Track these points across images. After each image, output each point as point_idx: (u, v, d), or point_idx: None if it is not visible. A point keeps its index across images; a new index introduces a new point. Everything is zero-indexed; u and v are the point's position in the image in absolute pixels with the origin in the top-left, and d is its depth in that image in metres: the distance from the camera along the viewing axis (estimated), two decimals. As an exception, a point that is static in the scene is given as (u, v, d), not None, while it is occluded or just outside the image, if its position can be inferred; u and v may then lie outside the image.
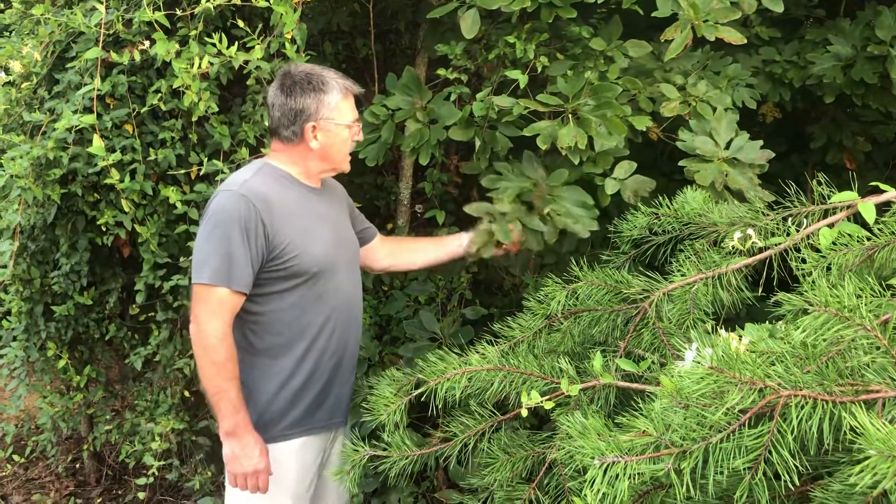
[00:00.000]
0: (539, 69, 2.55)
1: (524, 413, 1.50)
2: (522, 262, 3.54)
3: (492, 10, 2.49)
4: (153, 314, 3.17)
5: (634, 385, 1.59)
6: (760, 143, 2.56)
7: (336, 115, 2.14)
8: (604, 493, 1.07)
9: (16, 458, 3.74)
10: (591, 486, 1.09)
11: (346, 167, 2.27)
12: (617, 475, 1.08)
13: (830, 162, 3.40)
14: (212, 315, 2.00)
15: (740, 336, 1.43)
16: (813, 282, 1.43)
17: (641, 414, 1.27)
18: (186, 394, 3.25)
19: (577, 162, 2.39)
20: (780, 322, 1.59)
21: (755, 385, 1.09)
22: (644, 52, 2.72)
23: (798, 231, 1.69)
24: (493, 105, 2.47)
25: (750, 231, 1.73)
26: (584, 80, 2.47)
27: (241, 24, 2.48)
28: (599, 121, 2.40)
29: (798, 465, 1.06)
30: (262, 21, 2.66)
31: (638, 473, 1.10)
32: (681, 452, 1.10)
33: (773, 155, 2.56)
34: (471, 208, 2.55)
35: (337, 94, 2.13)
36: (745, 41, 2.47)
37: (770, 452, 1.07)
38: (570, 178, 2.47)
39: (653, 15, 2.42)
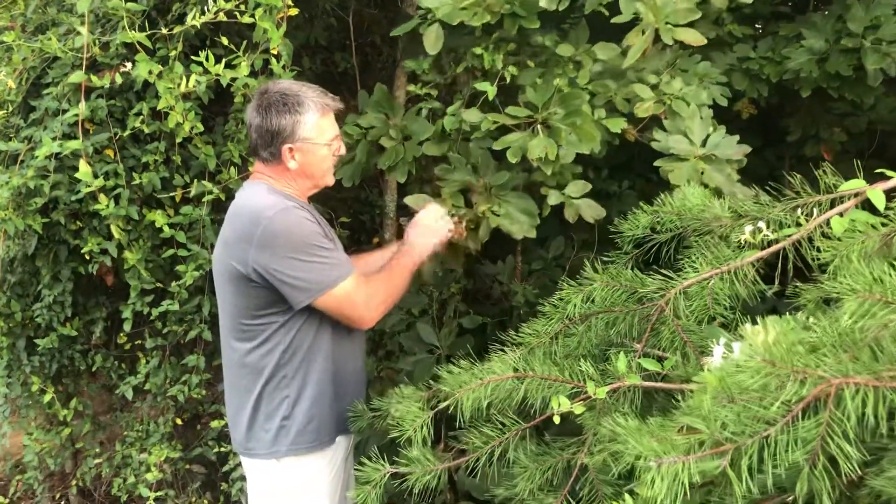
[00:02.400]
0: (508, 79, 2.53)
1: (557, 420, 1.47)
2: (510, 271, 3.53)
3: (457, 24, 2.47)
4: (140, 342, 3.09)
5: (660, 385, 1.58)
6: (737, 138, 2.56)
7: (314, 134, 2.08)
8: (663, 496, 1.04)
9: (0, 498, 3.61)
10: (649, 488, 1.07)
11: (330, 181, 2.22)
12: (675, 476, 1.06)
13: (809, 154, 3.44)
14: (358, 297, 2.07)
15: (766, 329, 1.42)
16: (835, 270, 1.43)
17: (683, 411, 1.25)
18: (178, 421, 3.17)
19: (549, 172, 2.38)
20: (800, 312, 1.59)
21: (808, 375, 1.08)
22: (613, 54, 2.72)
23: (808, 221, 1.69)
24: (464, 120, 2.47)
25: (761, 223, 1.73)
26: (553, 87, 2.45)
27: (224, 41, 2.43)
28: (569, 129, 2.39)
29: (855, 452, 1.05)
30: (241, 38, 2.61)
31: (693, 472, 1.08)
32: (736, 448, 1.08)
33: (750, 150, 2.57)
34: (410, 199, 2.53)
35: (314, 114, 2.06)
36: (705, 41, 2.46)
37: (826, 442, 1.06)
38: (511, 181, 2.48)
39: (612, 21, 2.41)
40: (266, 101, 2.05)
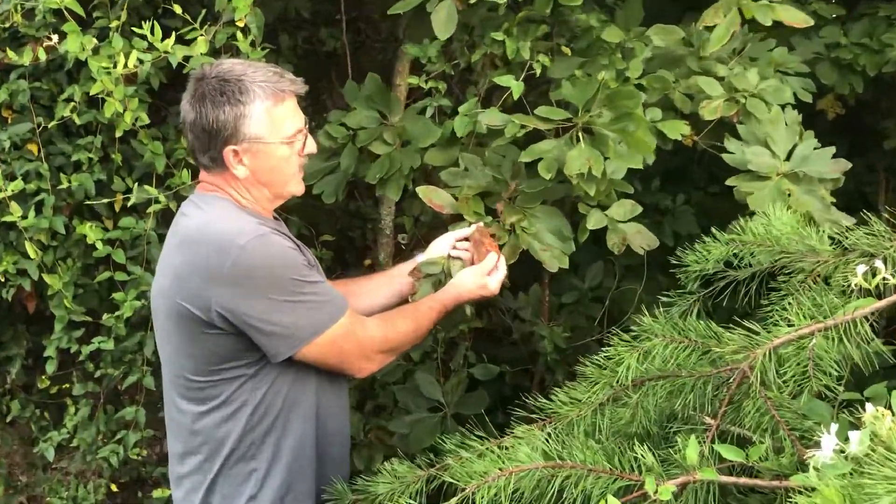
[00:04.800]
0: (538, 71, 2.37)
1: (606, 534, 1.26)
2: (534, 304, 3.33)
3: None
4: (68, 386, 2.91)
5: (745, 481, 1.37)
6: (832, 149, 2.38)
7: (265, 131, 1.85)
8: None
9: None
10: None
11: (297, 188, 2.00)
12: None
13: (909, 165, 3.25)
14: (350, 343, 1.94)
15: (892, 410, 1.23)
16: None
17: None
18: (114, 488, 2.98)
19: (592, 192, 2.19)
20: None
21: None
22: (673, 39, 2.53)
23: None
24: (480, 123, 2.30)
25: (877, 262, 1.52)
26: (597, 83, 2.27)
27: (177, 10, 2.26)
28: (619, 137, 2.20)
29: None
30: (204, 8, 2.44)
31: None
32: None
33: (850, 166, 2.39)
34: (422, 191, 2.33)
35: (263, 103, 1.83)
36: (812, 23, 2.30)
37: None
38: (546, 192, 2.30)
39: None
40: (200, 90, 1.83)
